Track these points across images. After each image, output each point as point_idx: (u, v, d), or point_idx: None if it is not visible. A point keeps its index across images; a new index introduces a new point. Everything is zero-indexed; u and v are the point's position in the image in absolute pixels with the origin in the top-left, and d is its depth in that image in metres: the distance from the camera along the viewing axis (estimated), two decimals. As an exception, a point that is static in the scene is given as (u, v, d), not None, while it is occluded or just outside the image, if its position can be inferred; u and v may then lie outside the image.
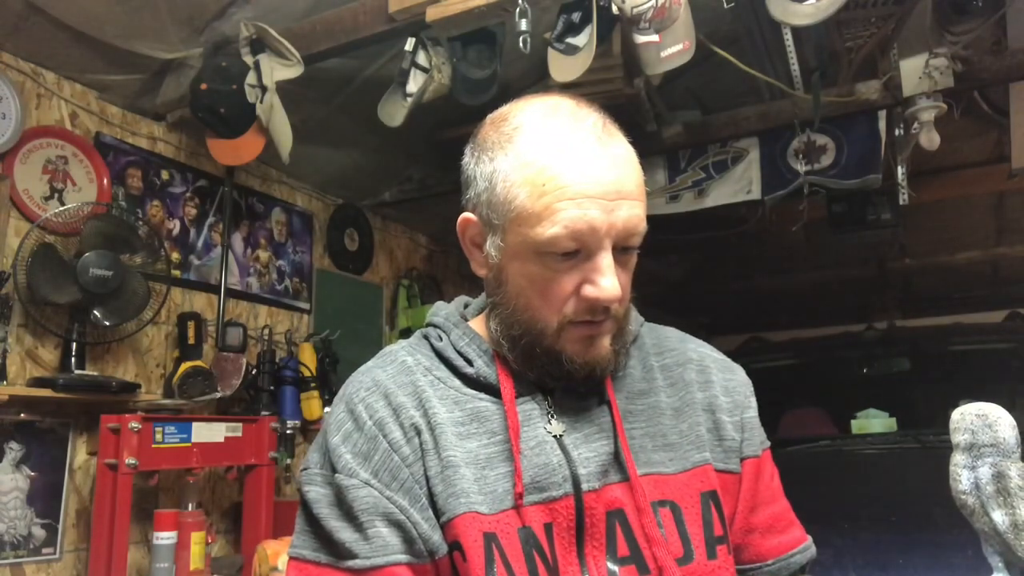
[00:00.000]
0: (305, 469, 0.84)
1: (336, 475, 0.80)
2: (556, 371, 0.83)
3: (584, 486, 0.80)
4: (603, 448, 0.83)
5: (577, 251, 0.78)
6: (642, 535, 0.80)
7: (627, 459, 0.83)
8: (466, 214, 0.87)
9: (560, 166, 0.77)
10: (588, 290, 0.78)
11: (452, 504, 0.78)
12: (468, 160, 0.87)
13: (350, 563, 0.77)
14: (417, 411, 0.83)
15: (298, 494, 0.85)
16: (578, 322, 0.81)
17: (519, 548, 0.78)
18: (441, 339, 0.90)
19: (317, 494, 0.81)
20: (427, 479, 0.80)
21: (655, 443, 0.86)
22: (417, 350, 0.90)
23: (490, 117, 0.87)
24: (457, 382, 0.86)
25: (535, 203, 0.77)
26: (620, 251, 0.80)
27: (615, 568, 0.79)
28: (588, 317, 0.80)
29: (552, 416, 0.85)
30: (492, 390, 0.85)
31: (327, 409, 3.11)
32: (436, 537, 0.79)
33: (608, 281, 0.78)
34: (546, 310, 0.81)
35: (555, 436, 0.83)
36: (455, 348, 0.88)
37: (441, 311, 0.95)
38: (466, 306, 0.97)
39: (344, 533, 0.78)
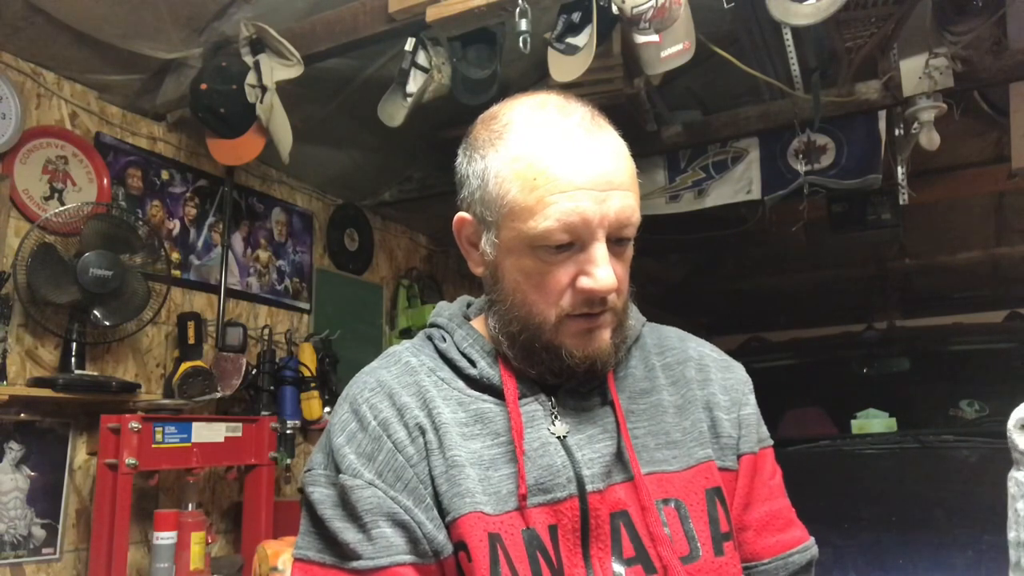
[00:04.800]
0: (309, 470, 0.84)
1: (340, 475, 0.80)
2: (556, 366, 0.83)
3: (588, 487, 0.80)
4: (607, 449, 0.83)
5: (571, 243, 0.78)
6: (647, 534, 0.80)
7: (631, 458, 0.83)
8: (461, 213, 0.87)
9: (550, 159, 0.77)
10: (583, 281, 0.79)
11: (457, 504, 0.78)
12: (461, 160, 0.87)
13: (355, 564, 0.77)
14: (421, 411, 0.83)
15: (299, 494, 0.85)
16: (576, 315, 0.81)
17: (523, 549, 0.78)
18: (444, 340, 0.90)
19: (321, 495, 0.81)
20: (432, 479, 0.80)
21: (658, 441, 0.86)
22: (421, 351, 0.90)
23: (481, 117, 0.88)
24: (460, 383, 0.86)
25: (527, 197, 0.78)
26: (615, 242, 0.80)
27: (621, 569, 0.79)
28: (586, 309, 0.80)
29: (556, 417, 0.85)
30: (495, 391, 0.85)
31: (327, 409, 3.11)
32: (441, 537, 0.79)
33: (603, 272, 0.78)
34: (543, 304, 0.81)
35: (559, 437, 0.83)
36: (458, 349, 0.88)
37: (444, 311, 0.95)
38: (468, 306, 0.97)
39: (348, 534, 0.78)
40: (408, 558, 0.77)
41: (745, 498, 0.89)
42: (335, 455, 0.82)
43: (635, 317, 0.93)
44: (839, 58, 2.64)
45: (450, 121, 3.06)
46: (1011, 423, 1.18)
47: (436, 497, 0.80)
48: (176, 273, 2.78)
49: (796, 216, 3.30)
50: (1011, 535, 1.16)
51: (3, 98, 2.27)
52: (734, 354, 0.99)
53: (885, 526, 2.22)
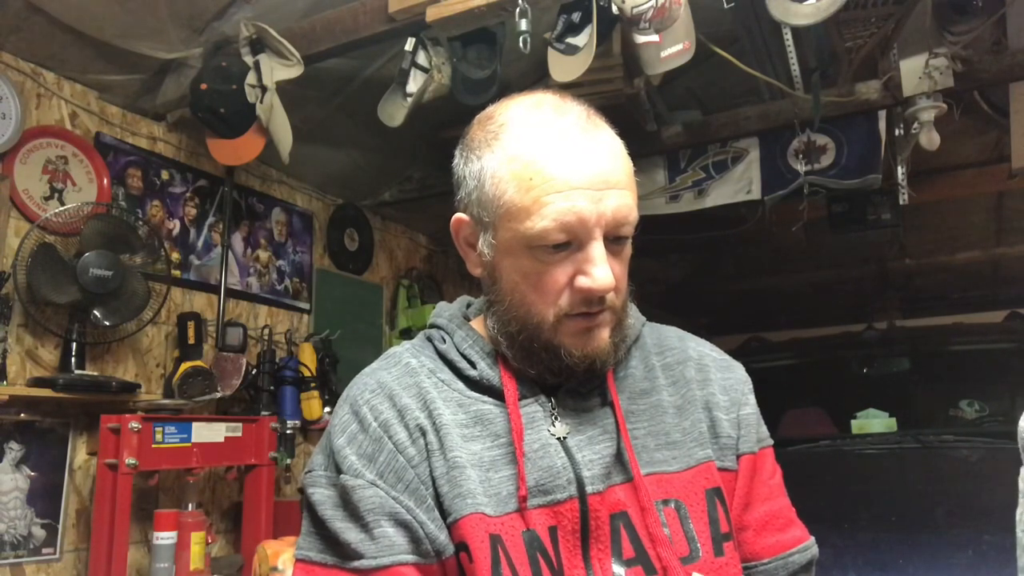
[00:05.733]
0: (309, 471, 0.84)
1: (341, 476, 0.80)
2: (556, 366, 0.83)
3: (588, 488, 0.80)
4: (607, 450, 0.83)
5: (568, 243, 0.78)
6: (646, 535, 0.80)
7: (631, 459, 0.83)
8: (458, 214, 0.87)
9: (546, 159, 0.77)
10: (581, 281, 0.78)
11: (458, 505, 0.78)
12: (458, 161, 0.87)
13: (356, 563, 0.77)
14: (422, 412, 0.83)
15: (299, 494, 0.85)
16: (575, 315, 0.80)
17: (523, 551, 0.78)
18: (444, 341, 0.90)
19: (322, 495, 0.81)
20: (433, 480, 0.80)
21: (658, 442, 0.86)
22: (421, 352, 0.90)
23: (478, 117, 0.88)
24: (460, 384, 0.86)
25: (523, 197, 0.78)
26: (612, 241, 0.80)
27: (621, 570, 0.79)
28: (584, 309, 0.80)
29: (556, 418, 0.85)
30: (495, 392, 0.85)
31: (327, 409, 3.11)
32: (443, 537, 0.79)
33: (600, 271, 0.77)
34: (541, 304, 0.81)
35: (559, 439, 0.83)
36: (458, 351, 0.88)
37: (444, 312, 0.94)
38: (468, 306, 0.96)
39: (350, 534, 0.78)
40: (410, 558, 0.77)
41: (745, 498, 0.89)
42: (336, 456, 0.81)
43: (635, 317, 0.93)
44: (839, 58, 2.65)
45: (450, 121, 3.06)
46: (1023, 423, 1.17)
47: (437, 498, 0.80)
48: (176, 273, 2.78)
49: (796, 216, 3.30)
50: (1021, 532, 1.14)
51: (3, 98, 2.27)
52: (734, 354, 0.98)
53: (885, 526, 2.22)
